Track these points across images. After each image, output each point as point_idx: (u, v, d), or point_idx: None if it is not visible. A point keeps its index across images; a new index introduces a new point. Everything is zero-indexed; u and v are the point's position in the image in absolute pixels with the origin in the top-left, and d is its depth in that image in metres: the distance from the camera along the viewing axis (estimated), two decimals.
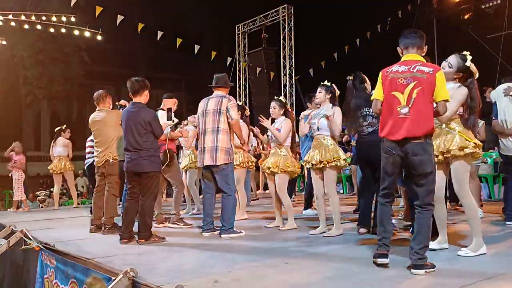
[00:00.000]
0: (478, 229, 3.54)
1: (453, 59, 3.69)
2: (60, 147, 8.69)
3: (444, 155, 3.57)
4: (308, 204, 6.75)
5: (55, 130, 8.87)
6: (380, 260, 3.15)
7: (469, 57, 3.67)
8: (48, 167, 8.88)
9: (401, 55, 3.35)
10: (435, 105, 3.21)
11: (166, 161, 5.43)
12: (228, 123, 4.89)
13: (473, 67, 3.67)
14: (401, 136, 3.11)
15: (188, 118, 7.46)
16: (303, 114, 5.95)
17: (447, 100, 3.18)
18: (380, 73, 3.34)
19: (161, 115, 5.43)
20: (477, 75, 3.71)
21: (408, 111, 3.11)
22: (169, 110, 5.51)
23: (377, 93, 3.34)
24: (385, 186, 3.28)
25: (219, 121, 4.86)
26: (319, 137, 4.74)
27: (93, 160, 6.72)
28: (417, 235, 3.13)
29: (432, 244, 3.69)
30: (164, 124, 5.17)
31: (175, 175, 5.77)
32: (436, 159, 3.52)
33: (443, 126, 3.62)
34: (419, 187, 3.15)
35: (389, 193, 3.29)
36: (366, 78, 4.87)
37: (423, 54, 3.33)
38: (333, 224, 4.68)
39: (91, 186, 8.02)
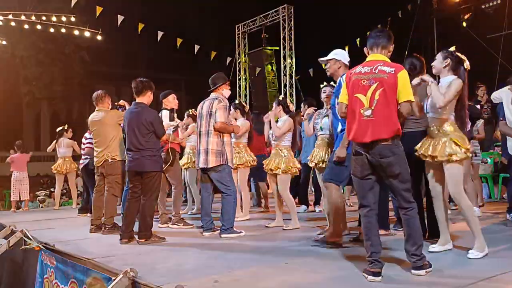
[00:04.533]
0: (479, 230, 3.54)
1: (438, 54, 3.76)
2: (64, 148, 8.65)
3: (434, 160, 3.56)
4: (303, 202, 6.88)
5: (57, 131, 8.80)
6: (371, 278, 2.93)
7: (452, 48, 3.73)
8: (52, 167, 8.85)
9: (367, 55, 3.28)
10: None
11: (169, 161, 5.46)
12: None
13: (459, 55, 3.69)
14: (368, 139, 3.02)
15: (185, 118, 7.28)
16: (306, 114, 5.97)
17: (410, 101, 3.08)
18: (344, 75, 3.29)
19: (165, 115, 5.44)
20: (467, 65, 3.69)
21: (371, 113, 3.02)
22: (171, 110, 5.52)
23: (342, 96, 3.27)
24: (360, 195, 3.16)
25: (210, 124, 4.86)
26: (323, 136, 4.78)
27: (88, 162, 6.77)
28: (409, 237, 3.06)
29: (435, 247, 3.68)
30: (166, 125, 5.18)
31: (176, 175, 5.77)
32: (425, 159, 3.58)
33: (435, 128, 3.60)
34: (394, 189, 3.10)
35: (366, 202, 3.12)
36: None
37: (389, 54, 3.24)
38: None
39: (83, 187, 8.01)
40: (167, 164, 5.43)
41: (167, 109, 5.55)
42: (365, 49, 3.31)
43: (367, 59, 3.23)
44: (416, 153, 3.69)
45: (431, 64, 3.73)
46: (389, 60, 3.19)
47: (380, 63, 3.10)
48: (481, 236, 3.51)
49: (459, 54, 3.70)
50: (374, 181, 3.12)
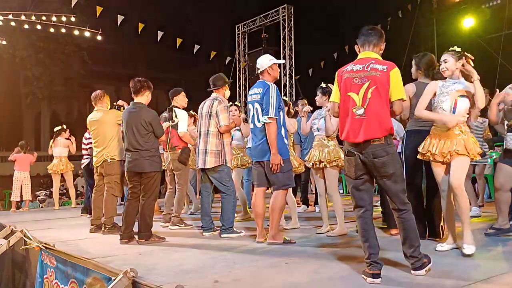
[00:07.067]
0: (469, 223, 3.54)
1: (445, 55, 3.66)
2: (61, 147, 8.65)
3: (445, 158, 3.52)
4: (304, 201, 6.94)
5: (55, 130, 8.83)
6: (370, 280, 2.86)
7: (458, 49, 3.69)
8: (47, 167, 8.86)
9: (358, 53, 3.22)
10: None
11: (188, 157, 5.56)
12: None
13: (468, 54, 3.66)
14: (361, 139, 2.96)
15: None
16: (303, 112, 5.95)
17: (402, 99, 3.02)
18: (336, 73, 3.20)
19: (181, 113, 5.54)
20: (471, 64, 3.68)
21: (364, 112, 2.96)
22: (170, 109, 5.52)
23: (334, 95, 3.20)
24: (355, 196, 3.08)
25: (210, 124, 4.87)
26: (320, 137, 4.79)
27: (89, 161, 6.77)
28: (405, 240, 3.00)
29: (443, 246, 3.62)
30: (165, 125, 5.19)
31: (186, 175, 5.75)
32: (435, 158, 3.53)
33: (454, 129, 3.52)
34: (388, 190, 3.02)
35: (361, 203, 3.07)
36: None
37: (380, 52, 3.17)
38: (336, 224, 4.70)
39: (84, 187, 8.02)
40: (182, 163, 5.48)
41: (178, 107, 5.59)
42: (356, 46, 3.24)
43: (359, 56, 3.16)
44: (422, 154, 3.63)
45: (442, 67, 3.65)
46: (381, 58, 3.12)
47: (372, 61, 3.04)
48: (470, 230, 3.51)
49: (467, 54, 3.66)
50: (368, 181, 3.07)
